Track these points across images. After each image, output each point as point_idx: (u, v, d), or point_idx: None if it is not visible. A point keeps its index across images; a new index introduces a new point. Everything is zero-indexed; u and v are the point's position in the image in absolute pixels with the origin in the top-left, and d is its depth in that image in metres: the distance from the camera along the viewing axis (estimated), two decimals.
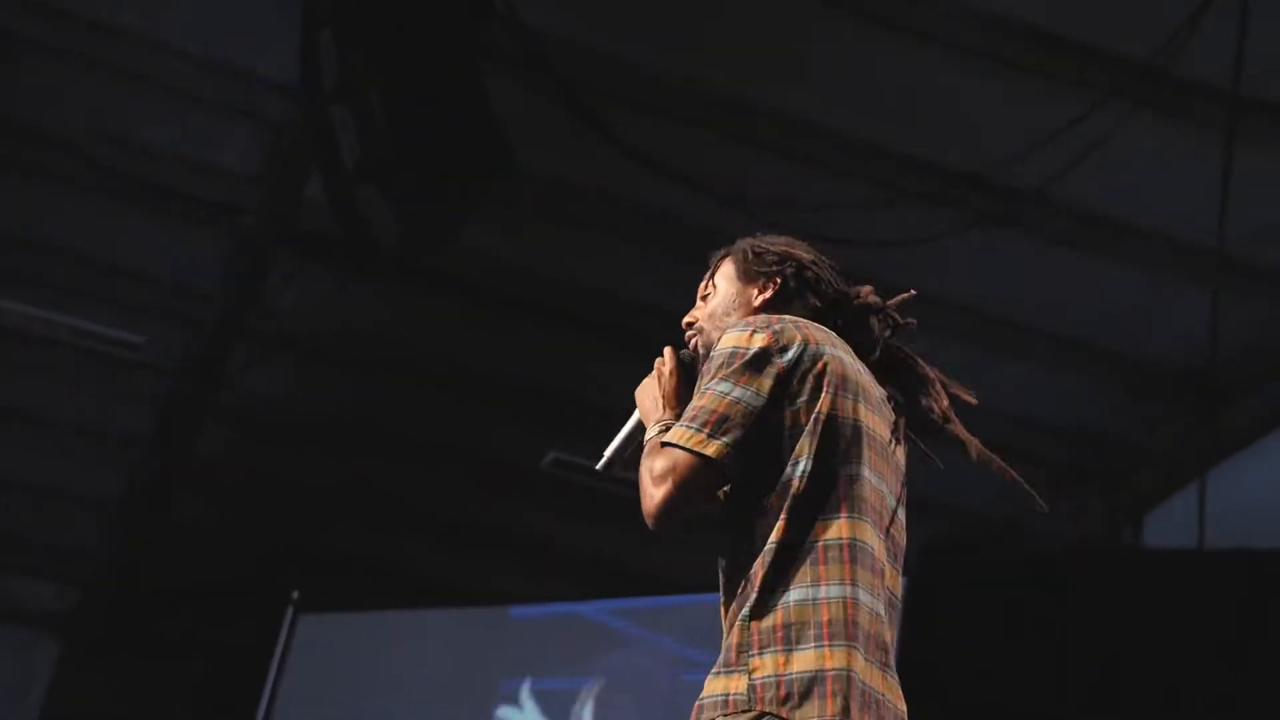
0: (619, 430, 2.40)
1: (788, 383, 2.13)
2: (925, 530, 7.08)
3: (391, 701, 7.63)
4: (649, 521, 2.09)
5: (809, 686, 1.95)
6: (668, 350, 2.38)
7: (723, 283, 2.41)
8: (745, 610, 2.03)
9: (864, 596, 2.03)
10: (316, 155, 5.29)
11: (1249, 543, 5.41)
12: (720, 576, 2.14)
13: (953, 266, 6.03)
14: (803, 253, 2.42)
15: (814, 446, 2.10)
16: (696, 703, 2.05)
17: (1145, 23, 5.00)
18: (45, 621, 8.69)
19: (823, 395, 2.13)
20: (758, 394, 2.11)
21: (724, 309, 2.37)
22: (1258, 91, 5.11)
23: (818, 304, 2.36)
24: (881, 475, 2.16)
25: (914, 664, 5.66)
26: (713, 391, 2.13)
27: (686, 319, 2.43)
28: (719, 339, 2.23)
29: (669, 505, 2.07)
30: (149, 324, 6.84)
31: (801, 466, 2.09)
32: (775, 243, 2.44)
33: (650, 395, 2.32)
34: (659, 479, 2.08)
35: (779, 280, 2.37)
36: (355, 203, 5.12)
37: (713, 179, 5.59)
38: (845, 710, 1.95)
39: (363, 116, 5.02)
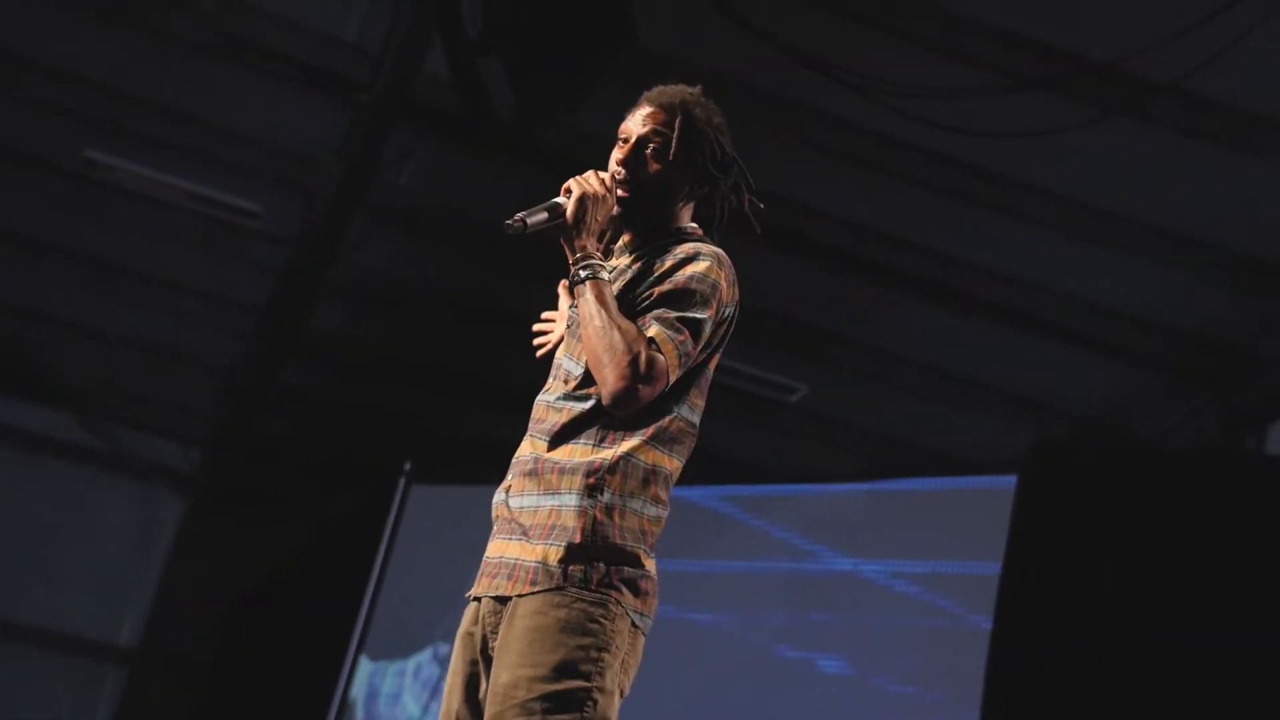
0: (544, 203, 2.47)
1: (713, 338, 2.41)
2: (1033, 432, 7.02)
3: None
4: (613, 399, 2.33)
5: (653, 587, 2.43)
6: (610, 177, 2.46)
7: (671, 155, 2.45)
8: (607, 497, 2.35)
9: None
10: (440, 25, 5.25)
11: None
12: (562, 426, 2.42)
13: (1074, 159, 5.88)
14: (731, 149, 2.51)
15: (691, 395, 2.42)
16: (561, 545, 2.34)
17: None
18: (169, 477, 8.95)
19: (716, 355, 2.44)
20: (704, 340, 2.38)
21: (665, 188, 2.46)
22: None
23: (709, 218, 2.53)
24: None
25: (1024, 558, 5.65)
26: (697, 322, 2.35)
27: (625, 170, 2.47)
28: (679, 249, 2.40)
29: (642, 401, 2.33)
30: (270, 194, 6.92)
31: (680, 410, 2.41)
32: (720, 126, 2.52)
33: (585, 209, 2.41)
34: (650, 378, 2.31)
35: (710, 188, 2.50)
36: (477, 75, 5.08)
37: (839, 63, 5.47)
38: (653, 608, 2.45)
39: None
